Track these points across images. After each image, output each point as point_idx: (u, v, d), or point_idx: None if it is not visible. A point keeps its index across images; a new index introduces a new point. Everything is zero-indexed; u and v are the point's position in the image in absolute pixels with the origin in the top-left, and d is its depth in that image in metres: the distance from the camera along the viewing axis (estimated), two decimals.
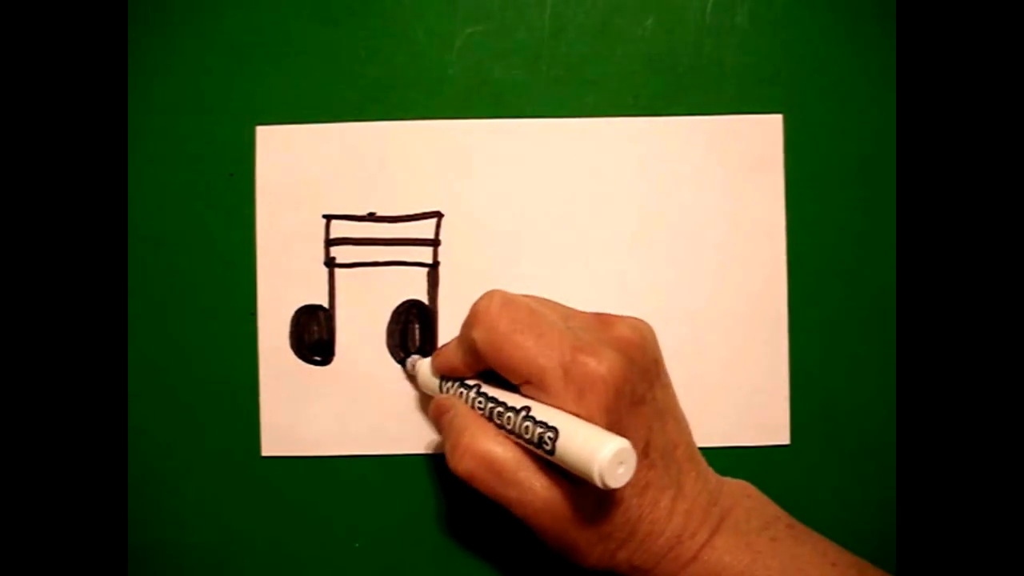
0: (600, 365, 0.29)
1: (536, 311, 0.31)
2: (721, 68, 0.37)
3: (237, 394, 0.37)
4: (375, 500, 0.37)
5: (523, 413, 0.30)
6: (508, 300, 0.31)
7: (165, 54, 0.37)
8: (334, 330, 0.37)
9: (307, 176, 0.37)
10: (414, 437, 0.37)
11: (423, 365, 0.35)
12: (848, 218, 0.37)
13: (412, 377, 0.36)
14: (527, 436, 0.29)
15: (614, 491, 0.29)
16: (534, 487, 0.30)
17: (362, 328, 0.37)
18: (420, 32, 0.37)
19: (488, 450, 0.30)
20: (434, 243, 0.37)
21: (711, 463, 0.33)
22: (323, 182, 0.37)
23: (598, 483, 0.27)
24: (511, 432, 0.30)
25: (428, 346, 0.37)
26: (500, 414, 0.30)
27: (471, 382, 0.33)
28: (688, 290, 0.37)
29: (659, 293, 0.37)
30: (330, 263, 0.37)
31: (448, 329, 0.37)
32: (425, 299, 0.37)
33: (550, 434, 0.28)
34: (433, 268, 0.37)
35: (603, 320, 0.32)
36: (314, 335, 0.37)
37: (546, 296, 0.34)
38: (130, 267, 0.37)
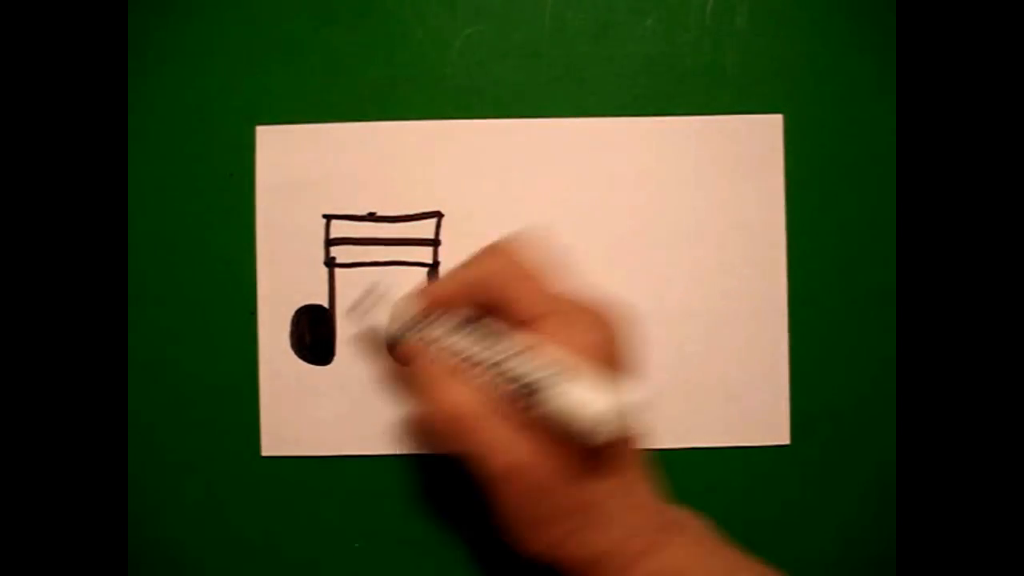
0: (603, 329, 0.30)
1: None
2: (721, 68, 0.37)
3: (237, 394, 0.37)
4: (375, 500, 0.37)
5: (515, 358, 0.29)
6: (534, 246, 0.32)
7: (165, 54, 0.37)
8: (334, 330, 0.37)
9: (307, 176, 0.37)
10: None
11: (399, 301, 0.33)
12: (848, 218, 0.37)
13: (362, 310, 0.35)
14: (520, 380, 0.28)
15: (594, 451, 0.28)
16: (505, 444, 0.29)
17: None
18: (420, 32, 0.37)
19: (462, 402, 0.29)
20: (434, 243, 0.37)
21: (711, 463, 0.33)
22: (323, 182, 0.37)
23: (590, 428, 0.27)
24: (497, 378, 0.29)
25: None
26: (486, 359, 0.30)
27: (451, 323, 0.32)
28: (688, 290, 0.37)
29: (659, 293, 0.37)
30: (330, 263, 0.37)
31: None
32: None
33: (547, 378, 0.28)
34: (433, 268, 0.37)
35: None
36: (314, 335, 0.37)
37: None
38: (130, 267, 0.37)
